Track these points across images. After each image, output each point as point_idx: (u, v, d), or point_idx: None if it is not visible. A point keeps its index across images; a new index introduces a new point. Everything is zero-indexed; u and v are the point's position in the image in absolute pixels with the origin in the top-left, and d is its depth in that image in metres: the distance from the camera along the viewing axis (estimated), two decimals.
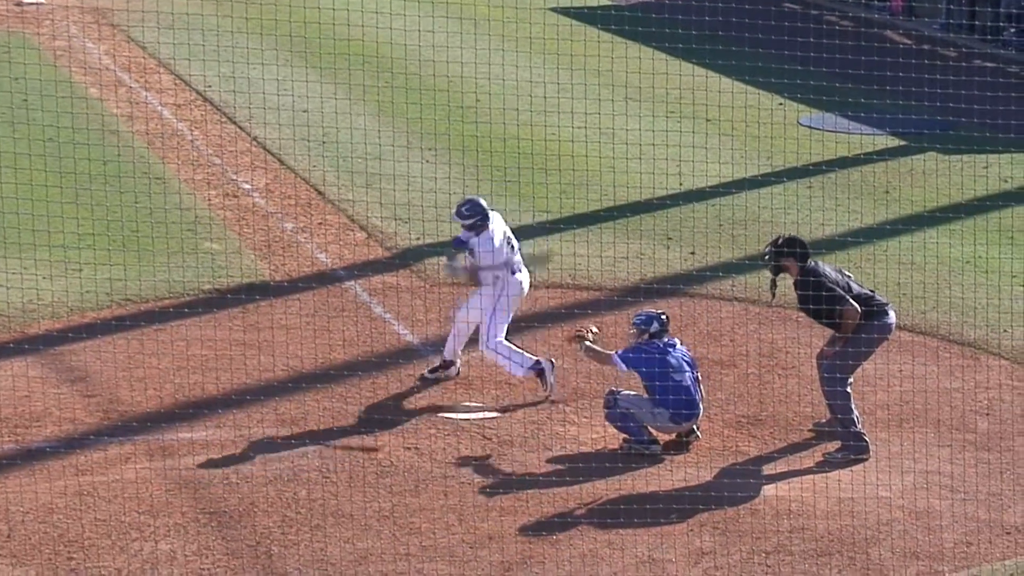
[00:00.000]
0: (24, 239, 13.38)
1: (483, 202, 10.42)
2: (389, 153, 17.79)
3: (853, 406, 9.87)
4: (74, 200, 14.93)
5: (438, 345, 11.38)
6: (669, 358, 9.84)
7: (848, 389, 9.80)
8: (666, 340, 10.04)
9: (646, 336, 9.97)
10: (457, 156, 17.65)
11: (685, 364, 9.99)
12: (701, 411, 9.91)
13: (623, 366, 9.87)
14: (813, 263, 9.93)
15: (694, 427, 9.94)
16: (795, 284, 9.79)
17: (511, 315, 10.80)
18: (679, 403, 9.82)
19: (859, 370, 10.09)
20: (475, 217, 10.22)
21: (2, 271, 13.57)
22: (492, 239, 10.38)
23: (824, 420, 10.10)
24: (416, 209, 14.69)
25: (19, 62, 20.98)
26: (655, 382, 9.82)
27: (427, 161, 17.60)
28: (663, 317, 10.14)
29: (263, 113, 19.24)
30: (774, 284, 10.18)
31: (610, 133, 17.25)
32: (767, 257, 10.04)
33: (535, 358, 10.74)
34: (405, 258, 14.81)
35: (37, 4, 26.00)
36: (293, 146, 18.10)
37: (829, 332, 9.90)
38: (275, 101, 18.76)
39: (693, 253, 14.05)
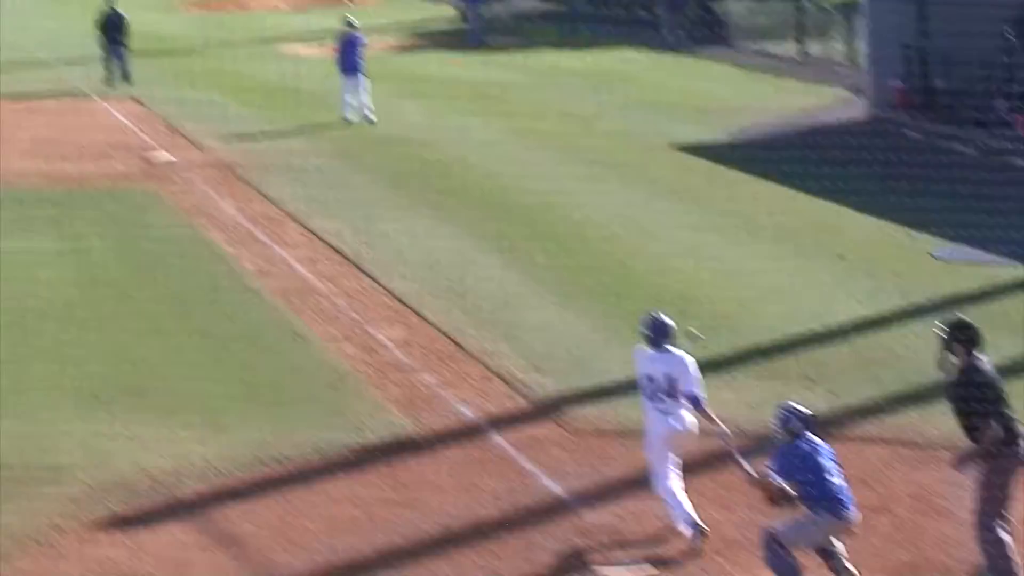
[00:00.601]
0: (169, 401, 14.86)
1: (650, 327, 10.70)
2: (524, 301, 18.28)
3: (1010, 552, 9.36)
4: (215, 359, 16.58)
5: (587, 498, 11.59)
6: (819, 459, 9.54)
7: (1002, 534, 9.29)
8: (810, 439, 9.71)
9: (787, 436, 9.76)
10: (591, 301, 17.80)
11: (835, 464, 9.76)
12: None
13: (779, 480, 9.46)
14: (982, 358, 9.66)
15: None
16: (960, 371, 9.63)
17: (665, 456, 10.78)
18: (839, 502, 9.46)
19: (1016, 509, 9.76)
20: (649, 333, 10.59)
21: (149, 435, 13.85)
22: (636, 367, 10.81)
23: (985, 567, 9.58)
24: (555, 358, 15.68)
25: (153, 221, 22.89)
26: (810, 488, 9.45)
27: (562, 307, 17.69)
28: (805, 413, 9.83)
29: (397, 265, 20.48)
30: (944, 359, 10.10)
31: (743, 273, 18.18)
32: (941, 335, 9.91)
33: (695, 521, 10.64)
34: (548, 408, 14.78)
35: (168, 162, 27.15)
36: (428, 297, 18.85)
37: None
38: (408, 252, 21.02)
39: (835, 395, 13.69)
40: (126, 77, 35.50)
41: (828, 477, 9.45)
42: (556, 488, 11.93)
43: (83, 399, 14.94)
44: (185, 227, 22.39)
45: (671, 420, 10.39)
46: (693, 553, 10.40)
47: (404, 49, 43.80)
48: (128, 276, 20.05)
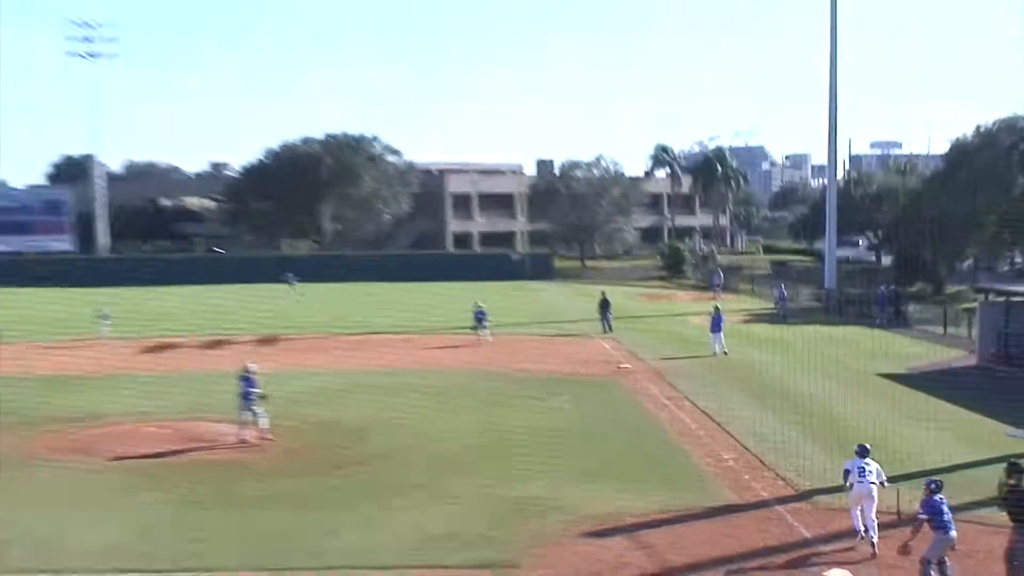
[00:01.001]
0: (615, 473, 24.73)
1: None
2: (797, 443, 27.44)
3: None
4: (643, 459, 26.54)
5: (823, 538, 20.09)
6: (943, 506, 16.51)
7: None
8: (938, 495, 16.79)
9: (929, 493, 16.90)
10: (828, 441, 27.38)
11: (947, 508, 16.75)
12: None
13: (925, 516, 16.65)
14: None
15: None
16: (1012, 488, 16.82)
17: (857, 504, 19.61)
18: (948, 527, 16.50)
19: None
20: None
21: (602, 490, 22.95)
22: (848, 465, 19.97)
23: None
24: (811, 471, 24.47)
25: (616, 394, 35.84)
26: (941, 518, 16.44)
27: (814, 446, 27.13)
28: (938, 481, 17.08)
29: (736, 423, 31.01)
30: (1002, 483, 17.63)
31: (914, 438, 26.64)
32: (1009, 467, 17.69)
33: (858, 530, 19.63)
34: (806, 494, 23.37)
35: (626, 368, 41.70)
36: (749, 438, 28.70)
37: None
38: (742, 417, 31.47)
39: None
40: (609, 328, 54.00)
41: (945, 513, 16.48)
42: (806, 533, 20.02)
43: (580, 473, 25.12)
44: (631, 397, 34.66)
45: (863, 487, 19.15)
46: (870, 555, 18.49)
47: (745, 321, 59.64)
48: (603, 415, 32.14)
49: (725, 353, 44.55)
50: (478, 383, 37.66)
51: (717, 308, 47.56)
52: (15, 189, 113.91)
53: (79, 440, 29.79)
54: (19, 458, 27.60)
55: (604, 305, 54.82)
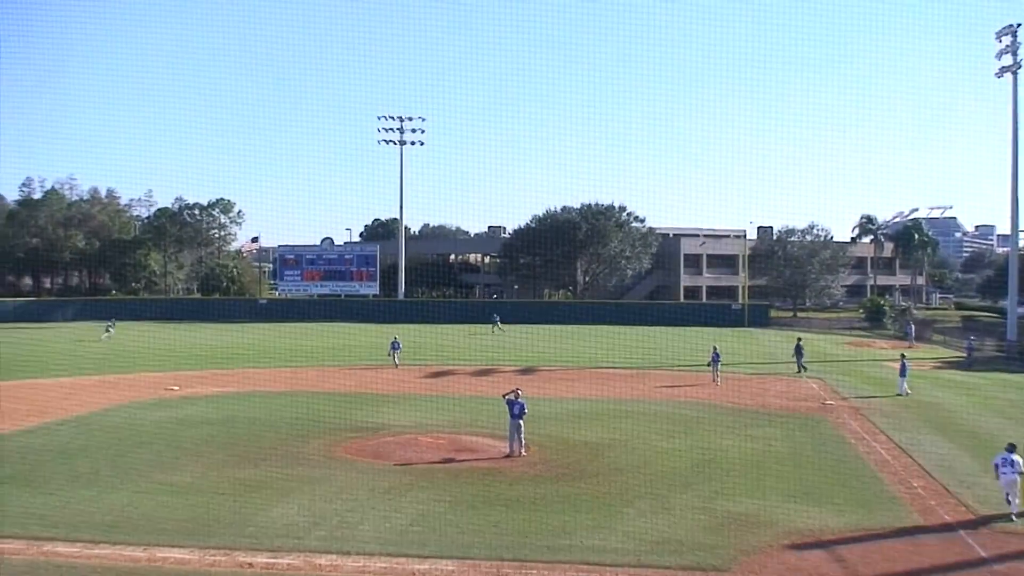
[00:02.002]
0: (785, 489, 24.60)
1: None
2: (977, 473, 25.84)
3: None
4: (836, 481, 25.84)
5: (1001, 557, 18.84)
6: None
7: None
8: None
9: None
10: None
11: None
12: None
13: None
14: None
15: None
16: None
17: (1005, 491, 21.83)
18: None
19: None
20: None
21: (788, 509, 22.42)
22: (995, 459, 22.21)
23: None
24: (990, 500, 23.20)
25: (822, 428, 33.98)
26: None
27: (985, 471, 25.82)
28: None
29: (922, 451, 29.58)
30: None
31: None
32: None
33: (1011, 511, 21.08)
34: (984, 519, 21.94)
35: (830, 404, 39.98)
36: (936, 468, 27.21)
37: None
38: (927, 448, 29.97)
39: None
40: (804, 369, 51.98)
41: None
42: (983, 553, 19.22)
43: (785, 493, 24.96)
44: (833, 431, 33.39)
45: (1009, 476, 21.55)
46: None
47: (936, 368, 57.81)
48: (808, 445, 31.10)
49: (908, 394, 42.95)
50: (699, 413, 37.22)
51: (903, 355, 46.10)
52: (338, 245, 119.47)
53: (372, 446, 30.61)
54: (324, 459, 28.57)
55: (798, 350, 53.14)
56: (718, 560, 18.40)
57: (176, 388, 44.44)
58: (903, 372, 43.69)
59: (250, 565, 18.49)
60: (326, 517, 22.05)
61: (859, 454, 29.31)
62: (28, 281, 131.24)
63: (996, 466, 21.94)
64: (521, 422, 29.04)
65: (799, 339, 55.75)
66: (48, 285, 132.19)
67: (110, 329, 76.52)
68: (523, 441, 29.23)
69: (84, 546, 19.59)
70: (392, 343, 57.09)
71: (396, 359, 55.99)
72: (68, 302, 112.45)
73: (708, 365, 48.05)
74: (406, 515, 22.23)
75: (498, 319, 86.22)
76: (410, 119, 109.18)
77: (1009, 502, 21.48)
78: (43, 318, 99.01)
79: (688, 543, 19.60)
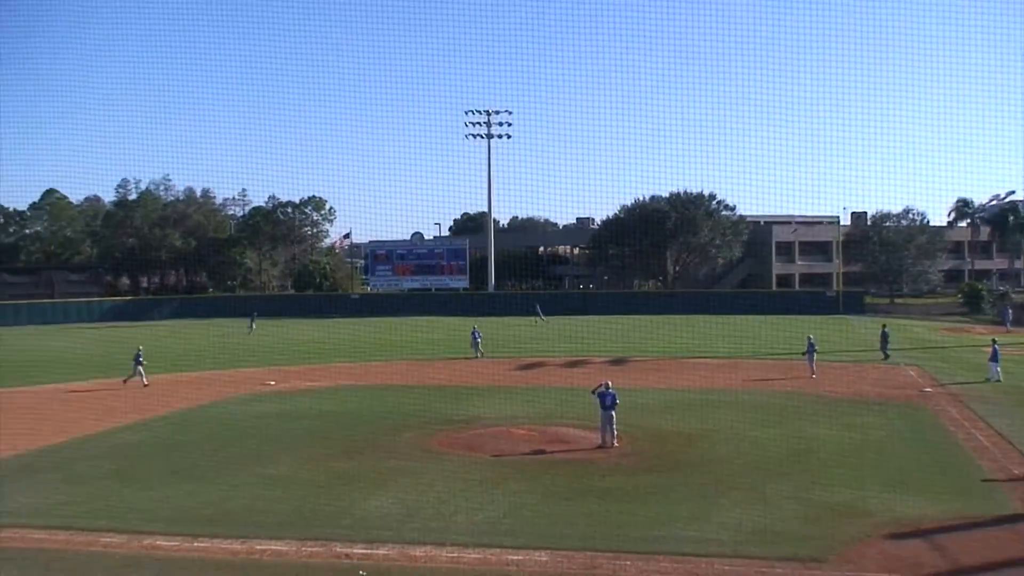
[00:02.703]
0: (873, 476, 24.35)
1: None
2: None
3: None
4: (935, 467, 25.64)
5: None
6: None
7: None
8: None
9: None
10: None
11: None
12: None
13: None
14: None
15: None
16: None
17: None
18: None
19: None
20: None
21: (848, 495, 22.27)
22: None
23: None
24: None
25: (921, 415, 33.46)
26: None
27: None
28: None
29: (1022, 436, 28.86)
30: None
31: None
32: None
33: None
34: None
35: (929, 392, 39.23)
36: None
37: None
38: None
39: None
40: (886, 356, 50.99)
41: None
42: None
43: (883, 482, 24.36)
44: (931, 418, 32.88)
45: None
46: None
47: None
48: (906, 432, 30.38)
49: (999, 379, 41.92)
50: (794, 402, 36.71)
51: (994, 341, 45.45)
52: (428, 240, 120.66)
53: (464, 438, 30.81)
54: (418, 451, 28.82)
55: (884, 336, 52.43)
56: (815, 550, 18.11)
57: (272, 383, 45.32)
58: (995, 357, 42.80)
59: (347, 556, 18.73)
60: (420, 509, 22.24)
61: (958, 441, 28.73)
62: (126, 281, 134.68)
63: None
64: (613, 413, 28.91)
65: (884, 325, 54.97)
66: (145, 284, 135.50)
67: (252, 324, 79.46)
68: (615, 432, 29.11)
69: (183, 539, 20.05)
70: (472, 333, 57.49)
71: (479, 350, 55.93)
72: (165, 301, 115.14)
73: (803, 355, 46.34)
74: (499, 506, 22.30)
75: (540, 309, 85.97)
76: (497, 112, 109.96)
77: None
78: (140, 317, 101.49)
79: (785, 533, 19.33)
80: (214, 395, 41.73)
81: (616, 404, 29.10)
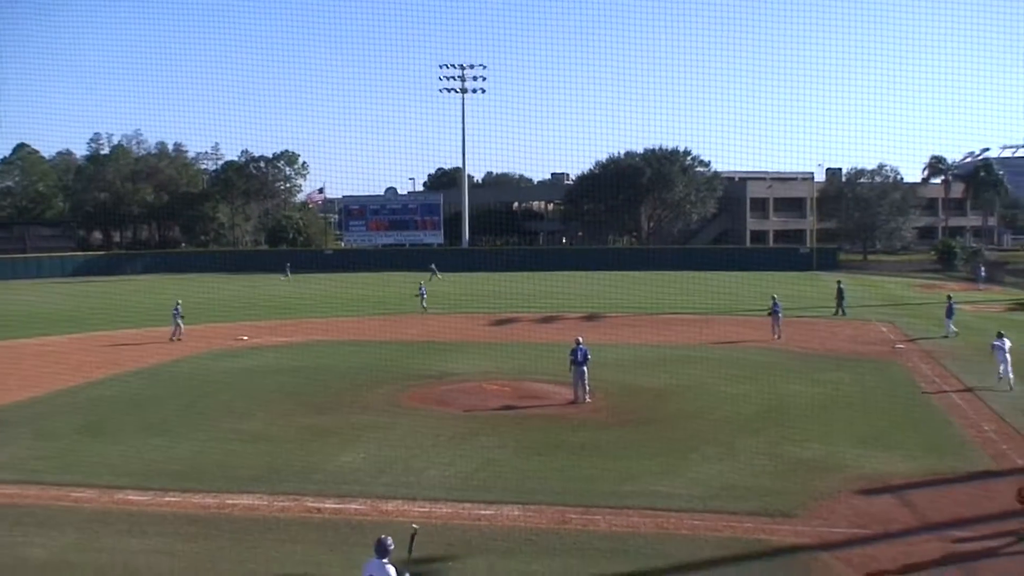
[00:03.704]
0: (856, 433, 24.87)
1: None
2: None
3: None
4: (904, 421, 26.24)
5: None
6: None
7: None
8: None
9: None
10: None
11: None
12: None
13: None
14: None
15: None
16: None
17: None
18: None
19: None
20: None
21: (852, 451, 22.75)
22: None
23: None
24: None
25: (893, 370, 33.72)
26: None
27: None
28: None
29: (993, 398, 28.48)
30: None
31: None
32: None
33: None
34: None
35: (901, 348, 39.31)
36: (1013, 412, 26.25)
37: None
38: (1003, 398, 28.27)
39: None
40: (843, 313, 51.25)
41: None
42: None
43: (854, 438, 25.27)
44: (903, 375, 33.06)
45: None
46: None
47: (1008, 310, 55.52)
48: (878, 389, 30.39)
49: (956, 334, 42.61)
50: (766, 358, 36.97)
51: (949, 297, 45.87)
52: (401, 195, 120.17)
53: (437, 393, 30.82)
54: (390, 406, 28.82)
55: (840, 294, 52.81)
56: (785, 505, 18.23)
57: (244, 338, 45.23)
58: (949, 313, 43.24)
59: (318, 511, 18.74)
60: (392, 464, 22.28)
61: (930, 399, 28.82)
62: (98, 236, 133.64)
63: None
64: (585, 369, 28.95)
65: (839, 281, 54.96)
66: (118, 239, 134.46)
67: (288, 273, 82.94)
68: (588, 387, 29.17)
69: (155, 494, 20.05)
70: (420, 289, 59.63)
71: (424, 303, 58.49)
72: (138, 255, 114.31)
73: (768, 315, 44.81)
74: (471, 461, 22.35)
75: (435, 268, 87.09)
76: (471, 67, 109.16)
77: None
78: (113, 271, 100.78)
79: (755, 488, 19.44)
80: (186, 350, 41.59)
81: (588, 360, 29.13)
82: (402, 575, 11.91)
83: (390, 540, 11.80)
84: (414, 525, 12.79)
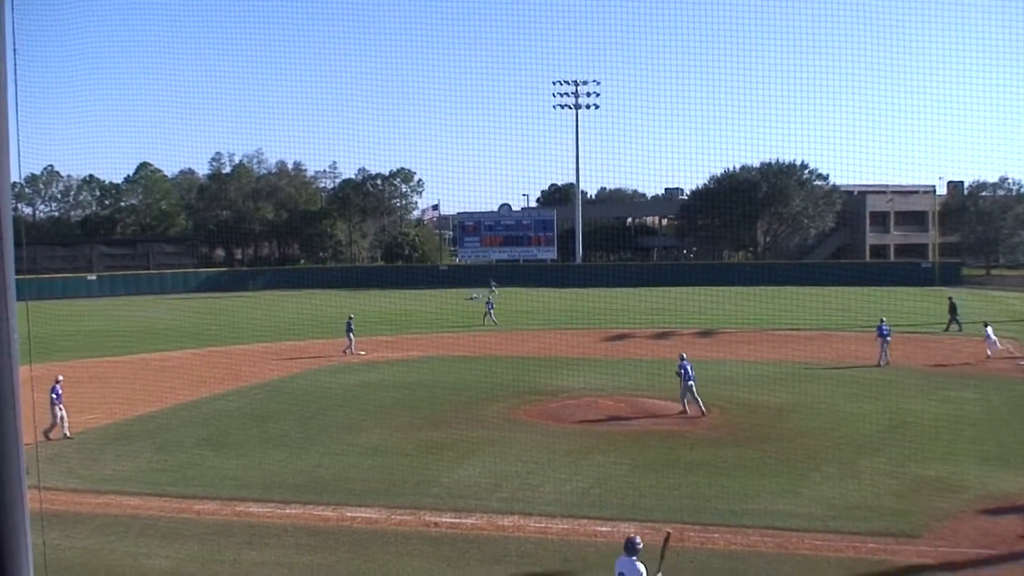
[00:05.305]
0: (981, 451, 24.53)
1: None
2: None
3: None
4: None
5: None
6: None
7: None
8: None
9: None
10: None
11: None
12: None
13: None
14: None
15: None
16: None
17: None
18: None
19: None
20: None
21: (959, 470, 22.73)
22: None
23: None
24: None
25: (1017, 386, 34.69)
26: None
27: None
28: None
29: None
30: None
31: None
32: None
33: None
34: None
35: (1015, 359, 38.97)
36: None
37: None
38: None
39: None
40: (959, 328, 49.62)
41: None
42: None
43: (979, 457, 25.75)
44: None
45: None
46: None
47: None
48: (1003, 406, 30.15)
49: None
50: (887, 376, 36.22)
51: None
52: (515, 211, 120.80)
53: (552, 409, 30.91)
54: (505, 421, 29.01)
55: (952, 308, 51.10)
56: (909, 526, 17.88)
57: (363, 353, 45.82)
58: None
59: (436, 525, 18.95)
60: (508, 478, 22.40)
61: None
62: (220, 252, 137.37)
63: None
64: (691, 383, 28.94)
65: (950, 297, 53.44)
66: (239, 256, 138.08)
67: (494, 290, 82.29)
68: (699, 401, 28.96)
69: (276, 506, 20.54)
70: (487, 303, 61.32)
71: (493, 318, 59.65)
72: (259, 272, 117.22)
73: (878, 338, 39.64)
74: (586, 477, 22.34)
75: (495, 284, 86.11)
76: (584, 83, 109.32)
77: None
78: (235, 287, 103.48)
79: (877, 508, 19.09)
80: (305, 365, 42.42)
81: (690, 374, 29.01)
82: (653, 573, 12.11)
83: (639, 538, 12.24)
84: (668, 530, 12.97)
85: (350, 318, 46.89)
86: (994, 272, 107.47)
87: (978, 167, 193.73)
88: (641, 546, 12.14)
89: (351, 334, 46.22)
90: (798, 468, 22.87)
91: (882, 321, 40.49)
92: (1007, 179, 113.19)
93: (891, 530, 18.04)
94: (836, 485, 21.32)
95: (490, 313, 60.30)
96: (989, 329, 40.62)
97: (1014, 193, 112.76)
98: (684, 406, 28.72)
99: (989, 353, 40.56)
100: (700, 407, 28.98)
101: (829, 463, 23.20)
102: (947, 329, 50.03)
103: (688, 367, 28.69)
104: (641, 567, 11.89)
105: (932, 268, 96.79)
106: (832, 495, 20.53)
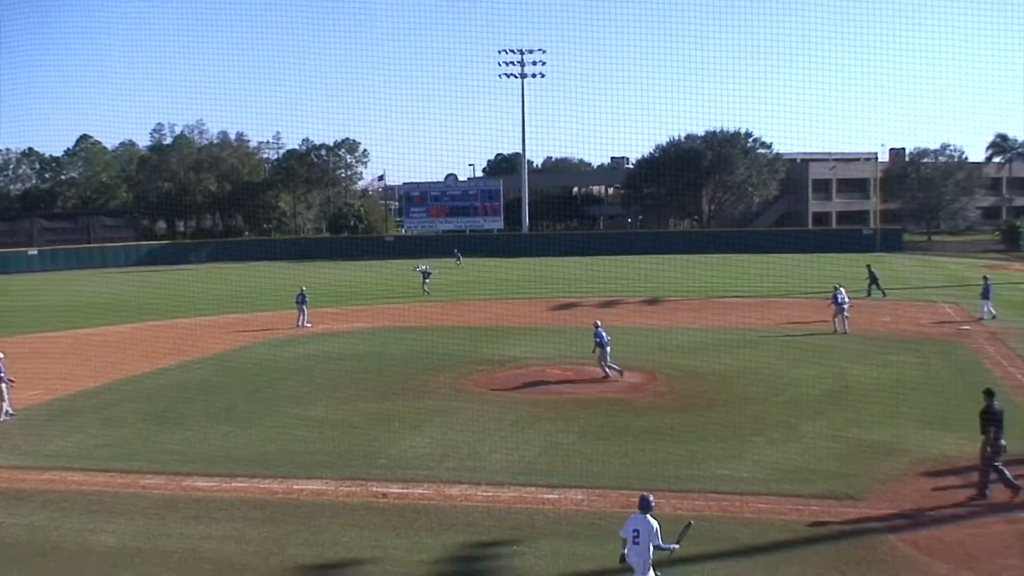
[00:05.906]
0: (918, 414, 23.87)
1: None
2: None
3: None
4: (952, 399, 25.80)
5: None
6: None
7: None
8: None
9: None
10: None
11: None
12: None
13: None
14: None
15: None
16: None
17: None
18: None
19: None
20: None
21: (911, 432, 23.04)
22: None
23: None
24: None
25: (959, 352, 33.33)
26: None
27: None
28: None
29: None
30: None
31: None
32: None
33: None
34: None
35: (967, 330, 38.60)
36: None
37: None
38: None
39: None
40: (883, 295, 50.47)
41: None
42: None
43: (920, 420, 24.77)
44: (969, 356, 32.58)
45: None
46: None
47: None
48: (943, 370, 30.33)
49: (993, 316, 41.83)
50: (830, 341, 36.68)
51: (985, 278, 44.04)
52: (462, 181, 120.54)
53: (500, 378, 30.99)
54: (453, 391, 29.15)
55: (872, 277, 51.74)
56: (851, 488, 18.09)
57: (308, 325, 45.52)
58: (986, 295, 42.22)
59: (384, 495, 18.95)
60: (456, 448, 22.44)
61: (996, 379, 27.70)
62: (162, 225, 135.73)
63: None
64: (606, 350, 30.16)
65: (868, 265, 53.27)
66: (182, 228, 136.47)
67: (459, 258, 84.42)
68: (615, 366, 30.23)
69: (222, 480, 20.40)
70: (423, 272, 61.63)
71: (426, 287, 60.48)
72: (202, 244, 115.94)
73: (830, 304, 39.99)
74: (534, 446, 22.44)
75: (458, 253, 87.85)
76: (530, 51, 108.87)
77: None
78: (177, 260, 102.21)
79: (820, 472, 19.31)
80: (251, 338, 42.11)
81: (605, 340, 30.10)
82: (666, 544, 12.65)
83: (652, 497, 12.86)
84: (691, 522, 13.30)
85: (302, 290, 46.40)
86: (935, 238, 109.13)
87: (920, 134, 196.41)
88: (654, 505, 12.76)
89: (304, 306, 45.77)
90: (742, 433, 23.09)
91: (836, 289, 40.02)
92: (949, 146, 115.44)
93: (834, 493, 18.28)
94: (780, 449, 21.56)
95: (425, 283, 60.19)
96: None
97: (956, 159, 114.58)
98: (604, 370, 29.34)
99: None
100: (616, 370, 29.78)
101: (773, 427, 23.41)
102: (869, 295, 50.34)
103: (603, 333, 29.28)
104: (654, 522, 12.37)
105: (874, 234, 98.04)
106: (776, 459, 20.76)
